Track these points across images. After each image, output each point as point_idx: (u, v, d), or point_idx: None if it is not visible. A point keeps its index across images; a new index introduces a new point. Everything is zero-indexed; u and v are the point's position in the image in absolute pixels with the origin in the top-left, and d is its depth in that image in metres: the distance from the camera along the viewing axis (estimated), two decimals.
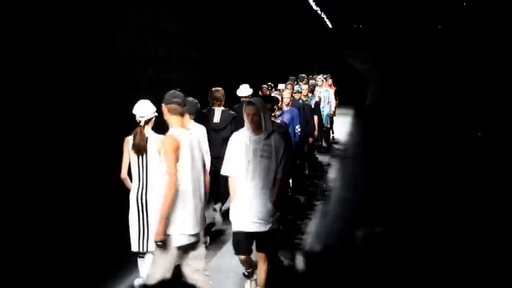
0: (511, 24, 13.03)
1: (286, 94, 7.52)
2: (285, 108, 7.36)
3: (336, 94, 13.55)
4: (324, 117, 11.41)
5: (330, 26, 22.93)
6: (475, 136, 13.02)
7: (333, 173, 10.66)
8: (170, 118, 4.00)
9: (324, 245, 6.42)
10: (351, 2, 20.68)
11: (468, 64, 16.93)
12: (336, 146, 13.84)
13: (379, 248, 6.31)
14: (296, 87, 8.62)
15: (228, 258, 5.45)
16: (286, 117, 6.96)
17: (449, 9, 17.88)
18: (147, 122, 4.77)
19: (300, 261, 5.85)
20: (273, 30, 16.41)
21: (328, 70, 17.46)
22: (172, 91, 4.07)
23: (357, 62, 24.08)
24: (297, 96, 8.47)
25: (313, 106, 9.28)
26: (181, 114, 4.06)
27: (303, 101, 8.73)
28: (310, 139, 8.82)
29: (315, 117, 9.23)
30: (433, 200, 8.48)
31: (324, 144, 12.99)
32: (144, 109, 4.77)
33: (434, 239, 6.60)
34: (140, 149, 4.72)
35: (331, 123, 13.59)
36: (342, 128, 17.16)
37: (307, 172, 9.51)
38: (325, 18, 21.10)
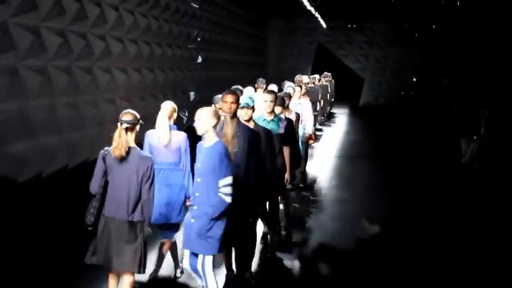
0: (505, 24, 13.13)
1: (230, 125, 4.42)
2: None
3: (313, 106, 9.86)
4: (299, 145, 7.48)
5: (324, 25, 22.92)
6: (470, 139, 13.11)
7: (329, 173, 10.65)
8: None
9: (322, 246, 6.45)
10: (345, 2, 20.77)
11: (463, 64, 17.04)
12: (331, 146, 13.81)
13: (378, 250, 6.36)
14: (245, 99, 4.91)
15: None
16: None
17: (444, 9, 18.00)
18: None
19: (298, 263, 5.88)
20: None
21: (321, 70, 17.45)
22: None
23: (350, 61, 24.11)
24: (244, 114, 4.82)
25: (282, 130, 5.77)
26: None
27: (254, 122, 5.02)
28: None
29: (285, 150, 5.82)
30: (429, 201, 8.55)
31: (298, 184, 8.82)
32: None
33: (433, 240, 6.65)
34: None
35: (305, 155, 9.19)
36: (338, 127, 17.24)
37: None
38: (319, 18, 21.11)
